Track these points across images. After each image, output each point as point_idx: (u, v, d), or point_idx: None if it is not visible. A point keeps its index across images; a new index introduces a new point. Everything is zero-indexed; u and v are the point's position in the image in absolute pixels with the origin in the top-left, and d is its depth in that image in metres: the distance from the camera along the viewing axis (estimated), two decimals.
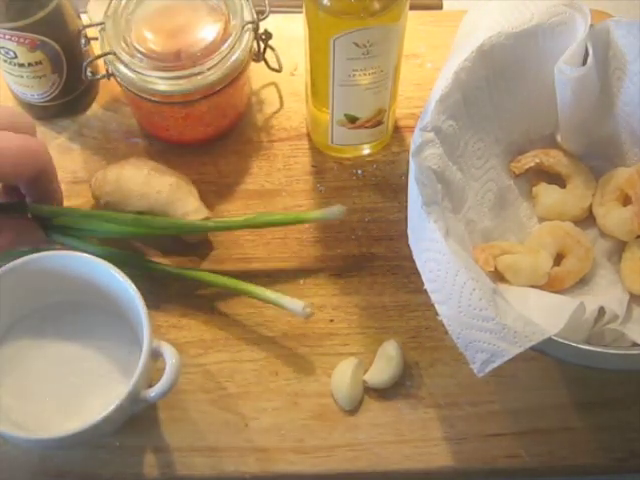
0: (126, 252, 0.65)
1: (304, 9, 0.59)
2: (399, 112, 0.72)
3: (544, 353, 0.53)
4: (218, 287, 0.64)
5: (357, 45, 0.58)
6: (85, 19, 0.67)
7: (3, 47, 0.65)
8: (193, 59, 0.64)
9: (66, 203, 0.68)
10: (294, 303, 0.61)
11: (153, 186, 0.64)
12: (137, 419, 0.60)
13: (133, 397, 0.53)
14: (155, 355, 0.55)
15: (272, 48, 0.70)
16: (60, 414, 0.57)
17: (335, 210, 0.63)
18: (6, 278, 0.56)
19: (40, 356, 0.59)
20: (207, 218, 0.65)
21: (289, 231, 0.68)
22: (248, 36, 0.65)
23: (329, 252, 0.67)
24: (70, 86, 0.70)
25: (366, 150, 0.71)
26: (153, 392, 0.54)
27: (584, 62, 0.60)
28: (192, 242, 0.66)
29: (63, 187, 0.69)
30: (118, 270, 0.57)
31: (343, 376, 0.61)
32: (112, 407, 0.52)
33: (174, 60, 0.64)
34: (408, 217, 0.57)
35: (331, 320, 0.64)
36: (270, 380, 0.62)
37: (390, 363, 0.61)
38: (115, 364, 0.59)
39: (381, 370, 0.61)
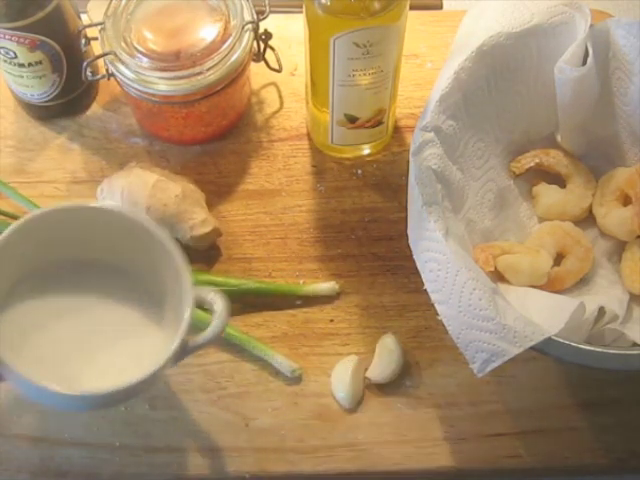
0: None
1: (304, 9, 0.59)
2: (399, 112, 0.72)
3: (544, 353, 0.53)
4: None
5: (357, 45, 0.58)
6: (85, 19, 0.67)
7: (3, 47, 0.65)
8: (193, 59, 0.64)
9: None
10: (284, 365, 0.62)
11: (159, 199, 0.64)
12: (137, 419, 0.60)
13: (183, 345, 0.52)
14: (199, 301, 0.53)
15: (272, 48, 0.70)
16: (92, 373, 0.53)
17: (330, 287, 0.64)
18: (27, 228, 0.52)
19: (55, 315, 0.55)
20: (214, 230, 0.65)
21: (289, 231, 0.68)
22: (248, 36, 0.65)
23: (329, 252, 0.67)
24: (70, 86, 0.70)
25: (366, 150, 0.71)
26: (203, 338, 0.53)
27: (584, 62, 0.60)
28: (201, 249, 0.66)
29: (63, 187, 0.70)
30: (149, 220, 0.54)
31: (343, 374, 0.61)
32: (165, 356, 0.50)
33: (174, 60, 0.64)
34: (408, 217, 0.57)
35: (331, 320, 0.64)
36: (270, 380, 0.62)
37: (391, 357, 0.61)
38: (138, 316, 0.56)
39: (382, 365, 0.61)
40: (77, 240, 0.56)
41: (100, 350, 0.54)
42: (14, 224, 0.52)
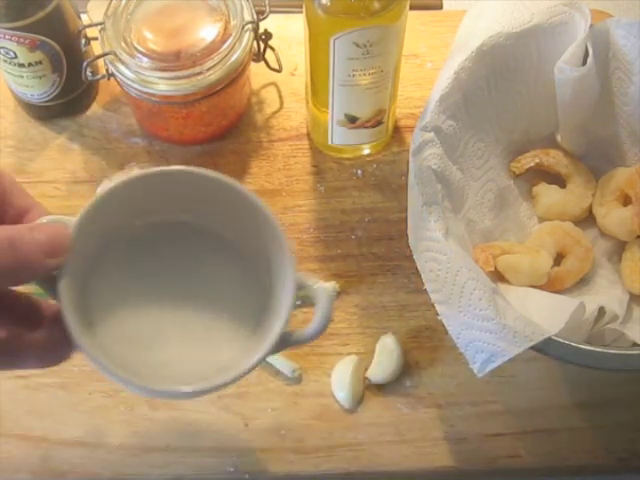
0: None
1: (304, 9, 0.59)
2: (399, 112, 0.72)
3: (544, 353, 0.53)
4: None
5: (357, 45, 0.58)
6: (85, 19, 0.67)
7: (3, 47, 0.65)
8: (193, 59, 0.63)
9: (66, 203, 0.69)
10: (284, 365, 0.62)
11: None
12: (137, 419, 0.60)
13: (284, 337, 0.46)
14: (300, 289, 0.46)
15: (272, 48, 0.70)
16: (180, 361, 0.46)
17: (330, 287, 0.64)
18: (131, 186, 0.45)
19: (143, 286, 0.47)
20: None
21: (289, 231, 0.68)
22: (248, 36, 0.65)
23: (329, 252, 0.67)
24: (70, 86, 0.70)
25: (366, 150, 0.71)
26: (309, 331, 0.47)
27: (584, 62, 0.60)
28: None
29: (63, 187, 0.70)
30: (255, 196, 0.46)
31: (343, 374, 0.61)
32: (267, 345, 0.44)
33: (174, 60, 0.64)
34: (408, 217, 0.57)
35: (331, 320, 0.64)
36: (270, 380, 0.62)
37: (391, 356, 0.61)
38: (236, 291, 0.49)
39: (382, 365, 0.61)
40: (174, 203, 0.48)
41: (195, 329, 0.47)
42: (103, 192, 0.44)
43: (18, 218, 0.40)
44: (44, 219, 0.40)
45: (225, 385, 0.44)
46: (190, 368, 0.45)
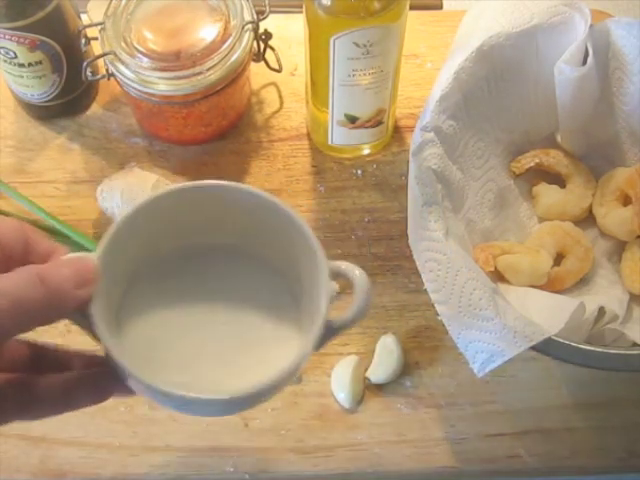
0: None
1: (304, 9, 0.59)
2: (399, 112, 0.72)
3: (544, 353, 0.53)
4: None
5: (357, 45, 0.58)
6: (85, 19, 0.67)
7: (3, 47, 0.65)
8: (193, 59, 0.63)
9: (66, 203, 0.69)
10: None
11: None
12: (137, 419, 0.60)
13: (327, 325, 0.45)
14: (334, 276, 0.46)
15: (272, 48, 0.70)
16: (219, 375, 0.45)
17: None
18: (155, 206, 0.44)
19: (177, 308, 0.47)
20: None
21: None
22: (248, 36, 0.65)
23: (329, 252, 0.66)
24: (70, 86, 0.70)
25: (366, 150, 0.71)
26: (348, 315, 0.46)
27: (584, 62, 0.60)
28: None
29: (63, 187, 0.70)
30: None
31: (343, 374, 0.61)
32: (312, 339, 0.44)
33: (174, 60, 0.64)
34: (408, 217, 0.57)
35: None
36: None
37: (391, 356, 0.61)
38: (269, 303, 0.48)
39: (382, 365, 0.61)
40: (200, 223, 0.48)
41: (233, 349, 0.47)
42: (137, 204, 0.44)
43: (43, 262, 0.40)
44: (68, 256, 0.41)
45: (276, 385, 0.43)
46: (237, 384, 0.43)
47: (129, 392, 0.42)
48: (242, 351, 0.46)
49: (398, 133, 0.72)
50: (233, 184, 0.46)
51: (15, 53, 0.65)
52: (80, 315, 0.41)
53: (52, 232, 0.66)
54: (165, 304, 0.47)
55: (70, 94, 0.71)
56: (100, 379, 0.42)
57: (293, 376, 0.44)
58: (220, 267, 0.49)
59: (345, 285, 0.65)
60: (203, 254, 0.48)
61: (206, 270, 0.48)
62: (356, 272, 0.46)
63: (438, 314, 0.54)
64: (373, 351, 0.62)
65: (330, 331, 0.45)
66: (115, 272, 0.44)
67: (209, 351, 0.46)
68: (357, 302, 0.46)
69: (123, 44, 0.64)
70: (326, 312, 0.45)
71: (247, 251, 0.49)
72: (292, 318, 0.48)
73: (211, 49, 0.64)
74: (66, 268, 0.39)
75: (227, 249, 0.49)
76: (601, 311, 0.57)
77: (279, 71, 0.72)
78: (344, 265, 0.47)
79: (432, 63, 0.75)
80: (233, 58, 0.64)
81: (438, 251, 0.54)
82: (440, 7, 0.81)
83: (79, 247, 0.65)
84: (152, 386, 0.41)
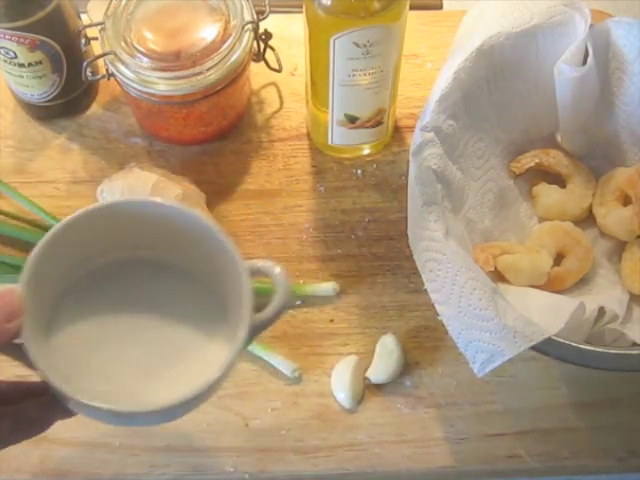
0: None
1: (304, 9, 0.59)
2: (399, 112, 0.72)
3: (544, 353, 0.53)
4: None
5: (357, 45, 0.58)
6: (85, 19, 0.67)
7: (3, 47, 0.65)
8: (193, 59, 0.63)
9: (66, 203, 0.69)
10: (284, 365, 0.62)
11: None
12: None
13: (253, 324, 0.46)
14: (254, 274, 0.47)
15: (272, 48, 0.70)
16: (143, 386, 0.47)
17: (330, 287, 0.64)
18: (75, 226, 0.46)
19: (104, 323, 0.49)
20: None
21: (289, 231, 0.68)
22: (248, 36, 0.65)
23: (329, 252, 0.67)
24: (70, 86, 0.70)
25: (366, 150, 0.71)
26: (270, 309, 0.47)
27: (584, 62, 0.60)
28: None
29: (63, 187, 0.70)
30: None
31: (343, 374, 0.61)
32: (240, 337, 0.45)
33: (174, 60, 0.64)
34: (408, 217, 0.57)
35: (331, 320, 0.64)
36: (270, 380, 0.62)
37: (391, 356, 0.61)
38: (198, 315, 0.50)
39: (382, 365, 0.61)
40: (122, 238, 0.50)
41: (163, 361, 0.48)
42: (54, 228, 0.46)
43: None
44: None
45: (208, 389, 0.44)
46: (168, 393, 0.44)
47: (70, 414, 0.45)
48: (169, 360, 0.48)
49: (398, 133, 0.72)
50: (149, 199, 0.49)
51: (15, 53, 0.65)
52: (11, 345, 0.42)
53: None
54: (93, 319, 0.49)
55: (70, 94, 0.71)
56: (42, 408, 0.44)
57: (224, 375, 0.45)
58: (146, 282, 0.50)
59: (345, 285, 0.65)
60: (129, 269, 0.50)
61: (133, 285, 0.50)
62: (275, 270, 0.48)
63: (438, 314, 0.54)
64: (373, 351, 0.62)
65: (254, 329, 0.46)
66: (41, 293, 0.46)
67: (134, 363, 0.48)
68: (277, 299, 0.47)
69: (123, 44, 0.64)
70: (250, 312, 0.46)
71: (172, 265, 0.51)
72: (219, 323, 0.49)
73: (211, 49, 0.64)
74: None
75: (153, 264, 0.50)
76: (601, 311, 0.57)
77: (279, 71, 0.72)
78: (261, 263, 0.48)
79: (432, 63, 0.75)
80: (233, 58, 0.64)
81: (438, 251, 0.54)
82: (440, 7, 0.81)
83: None
84: (79, 401, 0.43)
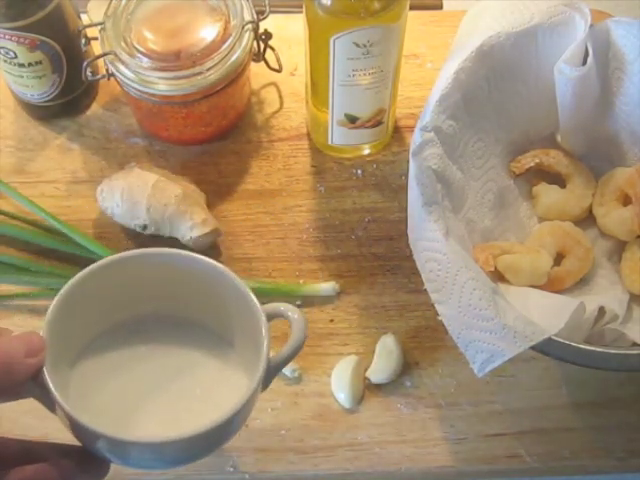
0: None
1: (304, 9, 0.59)
2: (399, 112, 0.72)
3: (544, 353, 0.53)
4: None
5: (357, 45, 0.58)
6: (85, 19, 0.67)
7: (3, 47, 0.65)
8: (193, 59, 0.64)
9: (66, 203, 0.69)
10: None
11: (159, 199, 0.64)
12: None
13: (268, 367, 0.48)
14: (270, 318, 0.49)
15: (272, 48, 0.70)
16: (169, 425, 0.49)
17: (330, 287, 0.65)
18: (91, 281, 0.49)
19: (123, 376, 0.51)
20: (214, 230, 0.65)
21: (289, 231, 0.68)
22: (248, 36, 0.65)
23: (329, 252, 0.67)
24: (70, 86, 0.70)
25: (366, 150, 0.71)
26: (284, 352, 0.49)
27: (584, 62, 0.60)
28: (201, 249, 0.66)
29: (63, 187, 0.70)
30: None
31: (343, 374, 0.61)
32: (256, 378, 0.47)
33: (174, 60, 0.64)
34: (408, 217, 0.57)
35: (331, 320, 0.64)
36: None
37: (391, 357, 0.61)
38: (208, 358, 0.52)
39: (382, 365, 0.61)
40: (145, 289, 0.52)
41: (175, 400, 0.51)
42: (68, 284, 0.48)
43: None
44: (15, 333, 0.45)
45: (224, 426, 0.46)
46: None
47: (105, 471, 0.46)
48: (191, 409, 0.51)
49: (398, 133, 0.72)
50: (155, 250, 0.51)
51: (15, 53, 0.65)
52: (34, 384, 0.44)
53: (52, 232, 0.66)
54: (109, 373, 0.51)
55: (70, 94, 0.71)
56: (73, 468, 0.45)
57: (243, 417, 0.48)
58: (165, 334, 0.53)
59: (345, 285, 0.65)
60: (150, 322, 0.53)
61: (153, 339, 0.53)
62: (295, 316, 0.50)
63: (438, 314, 0.54)
64: (373, 351, 0.62)
65: (271, 369, 0.49)
66: (65, 338, 0.48)
67: (155, 408, 0.50)
68: (293, 340, 0.50)
69: (123, 44, 0.64)
70: (267, 356, 0.48)
71: (184, 317, 0.53)
72: (235, 367, 0.52)
73: (211, 49, 0.64)
74: (15, 340, 0.43)
75: (169, 318, 0.53)
76: (601, 311, 0.57)
77: (279, 71, 0.72)
78: (283, 306, 0.50)
79: (432, 63, 0.75)
80: (233, 58, 0.64)
81: (438, 251, 0.54)
82: (440, 7, 0.81)
83: (79, 247, 0.65)
84: (122, 440, 0.44)
